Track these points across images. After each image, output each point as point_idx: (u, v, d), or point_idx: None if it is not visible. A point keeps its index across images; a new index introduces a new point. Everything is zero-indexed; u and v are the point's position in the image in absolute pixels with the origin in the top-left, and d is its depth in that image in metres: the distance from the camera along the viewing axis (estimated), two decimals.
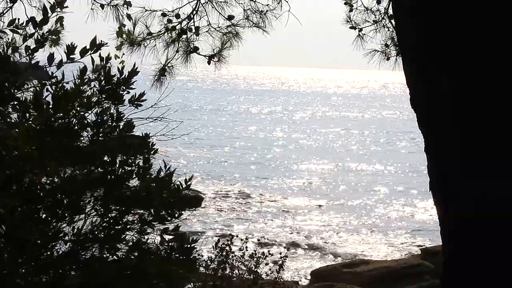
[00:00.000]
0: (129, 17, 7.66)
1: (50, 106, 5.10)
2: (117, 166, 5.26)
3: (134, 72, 5.41)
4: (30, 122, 5.11)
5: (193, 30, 8.13)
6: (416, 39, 3.54)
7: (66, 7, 5.58)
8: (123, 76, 5.38)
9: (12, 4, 6.45)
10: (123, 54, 5.76)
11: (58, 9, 5.49)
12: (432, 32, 3.45)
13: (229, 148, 47.33)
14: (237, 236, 10.89)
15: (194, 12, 8.09)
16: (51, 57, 5.24)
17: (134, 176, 5.31)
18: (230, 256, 10.12)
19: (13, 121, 5.17)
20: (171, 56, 8.17)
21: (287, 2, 8.16)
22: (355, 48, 8.53)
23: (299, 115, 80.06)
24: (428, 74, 3.51)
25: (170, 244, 5.37)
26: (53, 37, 5.58)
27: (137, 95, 5.47)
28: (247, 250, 10.50)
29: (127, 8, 7.55)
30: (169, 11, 8.09)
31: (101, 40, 5.33)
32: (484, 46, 3.34)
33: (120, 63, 5.43)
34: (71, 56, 5.23)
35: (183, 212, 5.37)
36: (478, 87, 3.37)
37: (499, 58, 3.33)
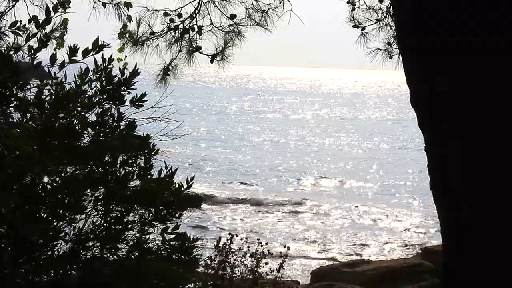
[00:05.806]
0: (129, 18, 7.66)
1: (52, 106, 5.10)
2: (118, 166, 5.25)
3: (135, 73, 5.39)
4: (31, 122, 5.11)
5: (196, 29, 8.13)
6: (417, 40, 3.54)
7: (69, 7, 5.59)
8: (124, 77, 5.37)
9: (14, 3, 6.45)
10: (126, 56, 5.76)
11: (61, 9, 5.49)
12: (433, 32, 3.45)
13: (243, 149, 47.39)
14: (237, 236, 10.87)
15: (196, 11, 8.09)
16: (53, 58, 5.24)
17: (135, 177, 5.31)
18: (230, 256, 10.11)
19: (14, 120, 5.17)
20: (174, 56, 8.18)
21: (289, 1, 8.17)
22: (358, 47, 8.55)
23: None
24: (428, 74, 3.51)
25: (170, 243, 5.37)
26: (59, 39, 5.56)
27: (138, 96, 5.45)
28: (249, 250, 10.49)
29: (128, 9, 7.56)
30: (171, 11, 8.09)
31: (103, 41, 5.32)
32: (485, 46, 3.33)
33: (123, 65, 5.42)
34: (73, 58, 5.22)
35: (183, 212, 5.36)
36: (478, 87, 3.37)
37: (500, 57, 3.32)
